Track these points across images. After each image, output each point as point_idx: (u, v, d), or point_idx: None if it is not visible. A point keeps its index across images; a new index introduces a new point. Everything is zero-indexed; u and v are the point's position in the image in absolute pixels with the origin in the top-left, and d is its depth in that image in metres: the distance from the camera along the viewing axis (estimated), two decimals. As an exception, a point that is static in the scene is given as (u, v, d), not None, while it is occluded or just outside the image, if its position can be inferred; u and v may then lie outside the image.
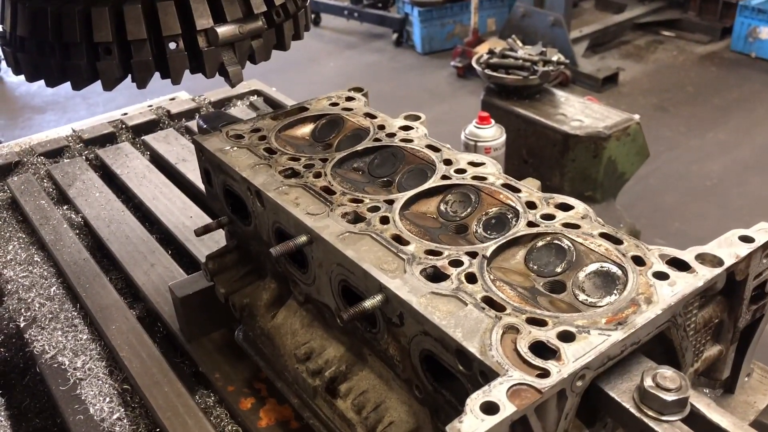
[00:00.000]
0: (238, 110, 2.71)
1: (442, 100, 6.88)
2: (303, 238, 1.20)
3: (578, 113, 2.82)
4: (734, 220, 4.54)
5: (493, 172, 1.31)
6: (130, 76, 1.60)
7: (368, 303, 1.05)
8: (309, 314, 1.34)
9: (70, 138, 2.57)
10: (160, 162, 2.41)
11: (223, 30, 1.56)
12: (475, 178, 1.29)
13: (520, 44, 3.06)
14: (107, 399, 1.59)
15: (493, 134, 2.71)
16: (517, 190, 1.24)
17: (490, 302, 1.00)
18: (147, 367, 1.58)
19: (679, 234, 4.42)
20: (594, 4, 8.48)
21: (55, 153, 2.50)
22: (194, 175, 2.27)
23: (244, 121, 1.58)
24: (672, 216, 4.68)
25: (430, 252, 1.10)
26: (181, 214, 2.08)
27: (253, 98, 2.80)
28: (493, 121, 2.74)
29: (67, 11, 1.49)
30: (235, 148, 1.44)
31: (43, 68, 1.61)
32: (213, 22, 1.56)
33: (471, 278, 1.04)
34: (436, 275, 1.06)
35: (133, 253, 1.94)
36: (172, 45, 1.57)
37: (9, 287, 1.91)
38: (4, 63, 7.83)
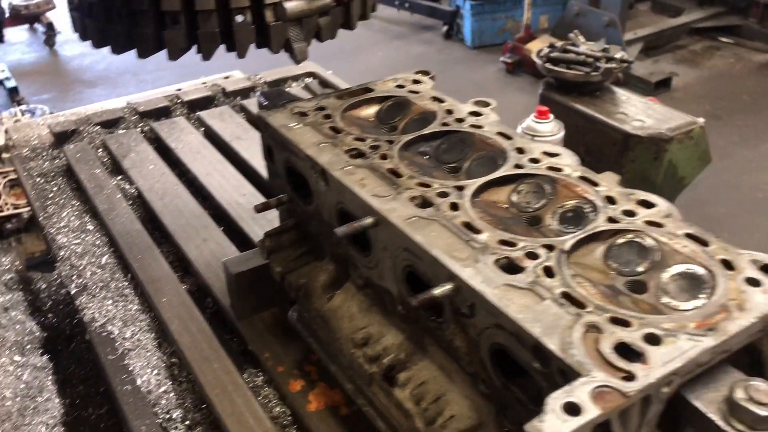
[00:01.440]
0: (294, 92, 2.68)
1: (489, 95, 6.67)
2: (369, 220, 1.16)
3: (640, 113, 2.73)
4: (789, 233, 4.39)
5: (569, 163, 1.25)
6: (195, 47, 1.59)
7: (438, 291, 1.01)
8: (367, 299, 1.30)
9: (125, 110, 2.58)
10: (214, 138, 2.40)
11: (291, 5, 1.53)
12: (550, 168, 1.24)
13: (582, 39, 2.97)
14: (155, 371, 1.59)
15: (552, 129, 2.64)
16: (595, 184, 1.18)
17: (569, 298, 0.95)
18: (197, 341, 1.56)
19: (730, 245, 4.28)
20: (650, 6, 8.26)
21: (111, 123, 2.50)
22: (248, 154, 2.25)
23: (308, 99, 1.54)
24: (721, 226, 4.53)
25: (504, 242, 1.06)
26: (235, 192, 2.06)
27: (308, 80, 2.77)
28: (552, 116, 2.66)
29: (137, -22, 1.48)
30: (300, 126, 1.41)
31: (109, 35, 1.60)
32: (282, -3, 1.53)
33: (548, 272, 0.99)
34: (510, 266, 1.01)
35: (185, 227, 1.93)
36: (239, 18, 1.55)
37: (62, 253, 1.91)
38: (57, 36, 7.96)
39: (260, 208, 1.46)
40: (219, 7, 1.51)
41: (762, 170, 5.17)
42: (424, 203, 1.16)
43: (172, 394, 1.54)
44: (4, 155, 5.22)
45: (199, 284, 1.81)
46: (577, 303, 0.94)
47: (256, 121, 2.38)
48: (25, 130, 2.69)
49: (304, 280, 1.42)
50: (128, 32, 1.57)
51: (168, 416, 1.50)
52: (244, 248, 1.90)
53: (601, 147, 2.78)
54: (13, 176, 4.71)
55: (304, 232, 1.48)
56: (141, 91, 7.15)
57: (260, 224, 1.92)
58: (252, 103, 2.58)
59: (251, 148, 2.29)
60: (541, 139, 2.65)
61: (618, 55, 2.87)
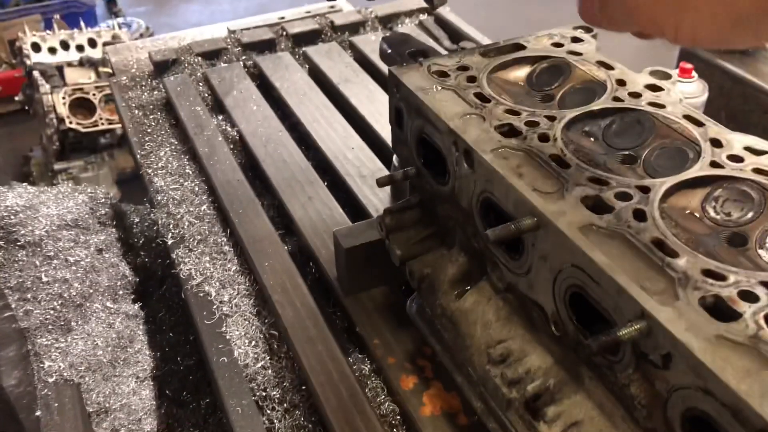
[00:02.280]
0: (407, 29, 2.44)
1: (603, 35, 6.29)
2: (528, 222, 0.95)
3: (802, 77, 2.36)
4: None
5: (782, 167, 1.00)
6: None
7: (624, 332, 0.80)
8: (507, 305, 1.10)
9: (228, 40, 2.40)
10: (321, 79, 2.20)
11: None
12: (757, 171, 0.99)
13: (738, -15, 2.57)
14: (252, 342, 1.46)
15: (694, 90, 2.31)
16: (821, 199, 0.93)
17: (807, 367, 0.72)
18: (300, 318, 1.42)
19: None
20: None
21: (213, 54, 2.34)
22: (357, 100, 2.05)
23: (448, 54, 1.31)
24: None
25: (710, 273, 0.83)
26: (342, 144, 1.88)
27: (423, 17, 2.51)
28: (695, 75, 2.33)
29: None
30: (440, 89, 1.19)
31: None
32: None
33: (775, 323, 0.77)
34: (721, 310, 0.79)
35: (289, 181, 1.77)
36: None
37: (159, 198, 1.79)
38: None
39: (383, 182, 1.26)
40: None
41: None
42: (600, 207, 0.94)
43: (270, 370, 1.41)
44: (102, 69, 5.20)
45: (301, 246, 1.66)
46: (820, 375, 0.71)
47: (369, 66, 2.16)
48: (124, 53, 2.56)
49: (428, 270, 1.23)
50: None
51: (265, 394, 1.38)
52: (351, 210, 1.73)
53: (747, 114, 2.44)
54: (108, 91, 4.68)
55: (430, 212, 1.28)
56: (234, 8, 7.02)
57: (369, 184, 1.74)
58: (361, 41, 2.36)
59: (360, 93, 2.08)
60: (684, 101, 2.34)
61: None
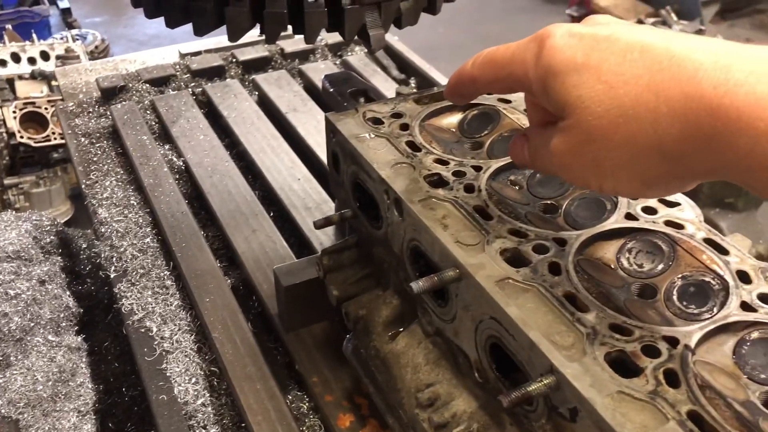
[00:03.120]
0: (356, 57, 2.47)
1: (554, 51, 6.42)
2: (450, 274, 0.99)
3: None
4: None
5: (691, 218, 1.05)
6: (258, 26, 1.41)
7: (533, 387, 0.84)
8: (436, 349, 1.14)
9: (177, 66, 2.41)
10: (269, 107, 2.22)
11: (371, -13, 1.33)
12: (668, 223, 1.04)
13: (675, 18, 2.68)
14: (193, 379, 1.47)
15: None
16: (725, 252, 0.99)
17: (698, 421, 0.77)
18: (240, 355, 1.44)
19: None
20: (734, -36, 7.67)
21: (161, 81, 2.34)
22: (304, 129, 2.08)
23: (384, 100, 1.35)
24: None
25: (616, 328, 0.88)
26: (288, 175, 1.90)
27: (373, 44, 2.55)
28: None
29: (199, -54, 1.28)
30: (374, 137, 1.23)
31: (165, 6, 1.42)
32: (360, -23, 1.33)
33: (672, 379, 0.82)
34: (625, 365, 0.84)
35: (234, 213, 1.78)
36: (311, -3, 1.35)
37: (103, 230, 1.79)
38: (112, -44, 7.74)
39: (320, 224, 1.29)
40: (289, -15, 1.31)
41: None
42: (518, 259, 0.99)
43: (209, 408, 1.42)
44: (54, 83, 5.12)
45: (244, 280, 1.68)
46: (709, 430, 0.76)
47: (318, 94, 2.19)
48: (73, 75, 2.55)
49: (363, 311, 1.26)
50: (185, 5, 1.39)
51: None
52: (295, 242, 1.76)
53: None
54: (62, 105, 4.62)
55: (367, 252, 1.32)
56: (193, 21, 6.99)
57: (314, 216, 1.76)
58: (311, 69, 2.38)
59: (308, 123, 2.11)
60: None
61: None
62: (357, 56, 2.48)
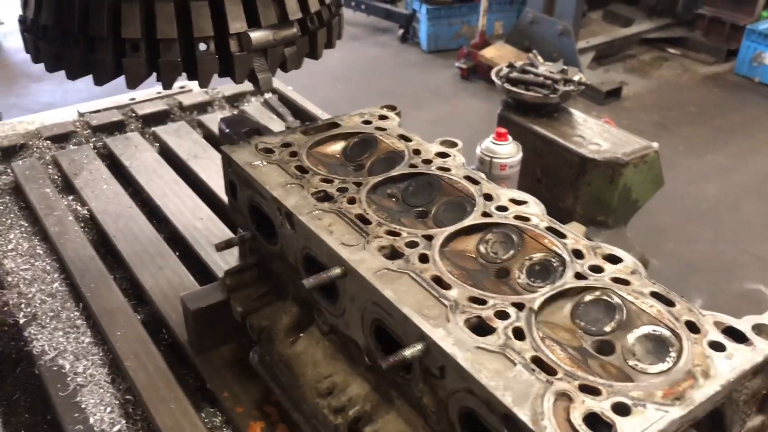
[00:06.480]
0: (253, 107, 2.63)
1: (444, 100, 6.82)
2: (337, 271, 1.14)
3: (596, 136, 2.78)
4: (728, 244, 4.54)
5: (536, 212, 1.26)
6: (155, 74, 1.54)
7: (408, 352, 1.00)
8: (332, 345, 1.28)
9: (77, 123, 2.49)
10: (170, 156, 2.33)
11: (256, 35, 1.50)
12: (517, 217, 1.24)
13: (541, 60, 3.00)
14: (108, 409, 1.53)
15: (510, 151, 2.66)
16: (562, 236, 1.19)
17: (540, 363, 0.95)
18: (153, 380, 1.52)
19: (672, 255, 4.42)
20: (602, 15, 8.43)
21: (62, 138, 2.41)
22: (206, 174, 2.20)
23: (274, 133, 1.51)
24: (666, 236, 4.67)
25: (474, 299, 1.05)
26: (192, 215, 2.01)
27: (268, 95, 2.72)
28: (510, 138, 2.69)
29: (95, 3, 1.42)
30: (266, 164, 1.38)
31: (65, 60, 1.54)
32: (247, 27, 1.50)
33: (519, 334, 0.99)
34: (481, 327, 1.01)
35: (140, 254, 1.87)
36: (203, 46, 1.50)
37: (9, 279, 1.84)
38: (1, 27, 7.65)
39: (221, 247, 1.42)
40: (181, 36, 1.46)
41: (706, 181, 5.33)
42: (394, 253, 1.15)
43: (126, 433, 1.49)
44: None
45: (154, 314, 1.76)
46: (548, 369, 0.94)
47: (217, 142, 2.33)
48: (-31, 138, 2.57)
49: (266, 322, 1.39)
50: (85, 58, 1.51)
51: (122, 457, 1.46)
52: (201, 276, 1.86)
53: (557, 169, 2.82)
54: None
55: (266, 269, 1.45)
56: (90, 88, 6.93)
57: (218, 252, 1.87)
58: (209, 120, 2.52)
59: (209, 167, 2.24)
60: (500, 160, 2.68)
61: (576, 77, 2.91)
62: (253, 105, 2.64)
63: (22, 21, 1.60)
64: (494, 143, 2.67)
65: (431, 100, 6.73)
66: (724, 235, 4.66)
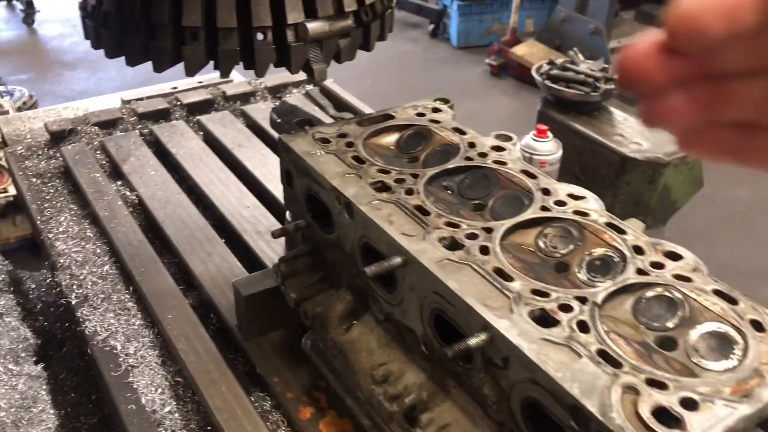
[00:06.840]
0: (295, 98, 2.65)
1: (474, 97, 6.81)
2: (398, 260, 1.16)
3: (637, 135, 2.76)
4: (761, 249, 4.50)
5: (595, 208, 1.26)
6: (213, 63, 1.57)
7: (473, 341, 1.01)
8: (387, 334, 1.30)
9: (123, 110, 2.53)
10: (215, 145, 2.37)
11: (313, 26, 1.52)
12: (576, 212, 1.25)
13: (581, 58, 2.99)
14: (159, 390, 1.57)
15: (550, 148, 2.66)
16: (622, 231, 1.20)
17: (605, 356, 0.96)
18: (204, 363, 1.55)
19: (703, 259, 4.38)
20: (634, 15, 8.36)
21: (109, 124, 2.46)
22: (251, 164, 2.23)
23: (328, 124, 1.53)
24: (697, 240, 4.62)
25: (537, 292, 1.06)
26: (238, 203, 2.04)
27: (309, 87, 2.75)
28: (550, 135, 2.68)
29: (158, -9, 1.45)
30: (323, 153, 1.40)
31: (125, 46, 1.57)
32: (304, 17, 1.52)
33: (583, 327, 1.00)
34: (545, 319, 1.02)
35: (189, 239, 1.91)
36: (260, 36, 1.53)
37: (61, 261, 1.88)
38: (36, 15, 7.77)
39: (277, 234, 1.45)
40: (240, 25, 1.49)
41: (739, 185, 5.27)
42: (454, 245, 1.16)
43: (176, 414, 1.52)
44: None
45: (202, 299, 1.79)
46: (614, 362, 0.95)
47: (260, 132, 2.35)
48: (16, 123, 2.63)
49: (320, 309, 1.41)
50: (145, 45, 1.54)
51: (173, 437, 1.49)
52: (248, 263, 1.88)
53: (597, 168, 2.82)
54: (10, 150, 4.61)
55: (320, 258, 1.47)
56: (122, 76, 7.02)
57: (265, 239, 1.91)
58: (252, 110, 2.55)
59: (253, 157, 2.27)
60: (540, 157, 2.68)
61: (617, 76, 2.90)
62: (295, 97, 2.66)
63: (83, 7, 1.64)
64: (535, 140, 2.67)
65: (461, 96, 6.71)
66: (756, 240, 4.61)
